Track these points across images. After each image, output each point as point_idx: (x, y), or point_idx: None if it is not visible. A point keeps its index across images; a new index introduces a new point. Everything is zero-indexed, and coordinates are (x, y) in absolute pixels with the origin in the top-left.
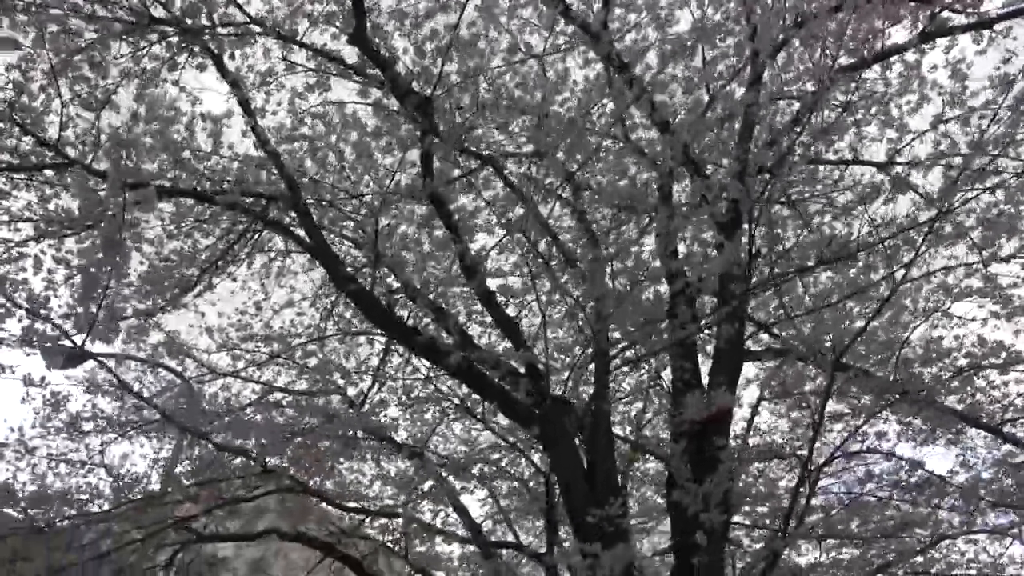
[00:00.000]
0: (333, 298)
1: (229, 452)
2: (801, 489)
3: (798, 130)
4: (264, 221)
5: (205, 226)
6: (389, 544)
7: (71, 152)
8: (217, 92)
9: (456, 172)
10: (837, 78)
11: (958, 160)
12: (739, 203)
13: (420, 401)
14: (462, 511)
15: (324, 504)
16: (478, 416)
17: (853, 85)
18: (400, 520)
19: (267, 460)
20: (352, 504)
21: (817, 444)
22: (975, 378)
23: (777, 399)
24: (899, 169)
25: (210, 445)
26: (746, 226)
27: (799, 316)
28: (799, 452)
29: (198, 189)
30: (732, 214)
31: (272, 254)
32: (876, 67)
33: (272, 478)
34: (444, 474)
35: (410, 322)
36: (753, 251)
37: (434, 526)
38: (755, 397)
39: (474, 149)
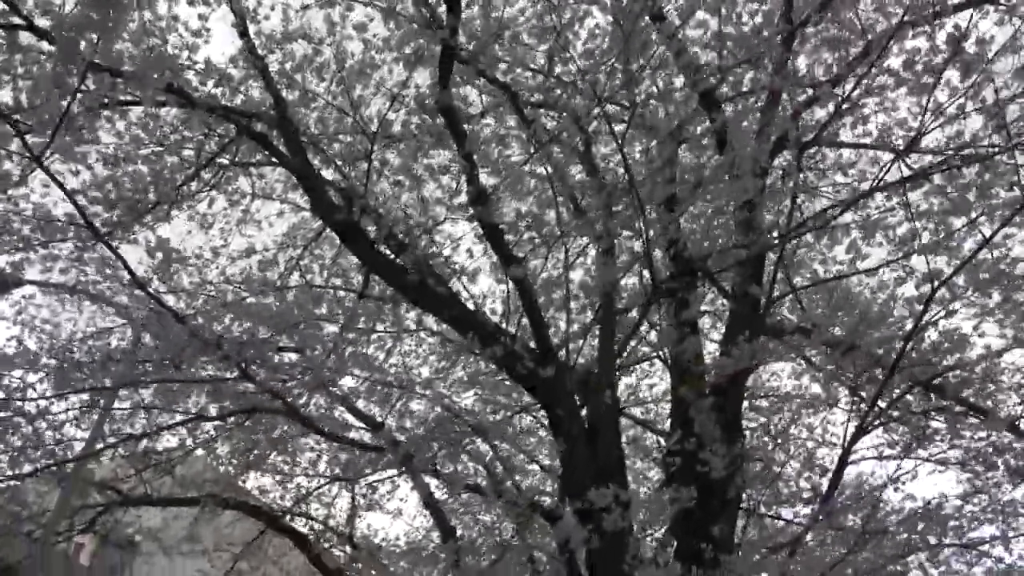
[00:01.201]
0: (300, 251)
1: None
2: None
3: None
4: (248, 133)
5: (171, 138)
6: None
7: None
8: None
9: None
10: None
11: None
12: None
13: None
14: (424, 492)
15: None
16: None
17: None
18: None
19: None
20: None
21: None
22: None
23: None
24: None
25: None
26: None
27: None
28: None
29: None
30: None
31: (236, 196)
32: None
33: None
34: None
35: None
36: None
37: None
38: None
39: (493, 76)
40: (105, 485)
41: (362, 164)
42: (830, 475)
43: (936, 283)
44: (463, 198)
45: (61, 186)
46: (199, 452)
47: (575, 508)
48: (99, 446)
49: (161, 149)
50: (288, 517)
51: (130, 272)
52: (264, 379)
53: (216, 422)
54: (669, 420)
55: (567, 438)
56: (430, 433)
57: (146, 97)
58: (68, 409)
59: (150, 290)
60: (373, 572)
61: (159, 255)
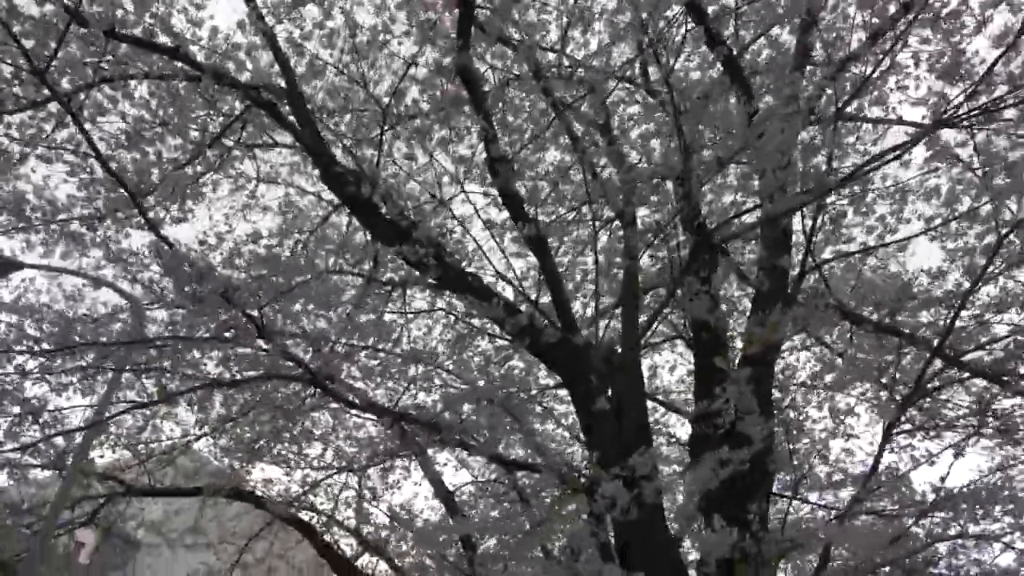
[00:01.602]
0: (306, 236)
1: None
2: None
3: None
4: (256, 102)
5: (175, 120)
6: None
7: None
8: None
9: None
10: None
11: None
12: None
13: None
14: (436, 481)
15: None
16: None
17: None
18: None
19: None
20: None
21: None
22: None
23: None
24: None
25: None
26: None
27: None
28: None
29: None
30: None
31: (241, 180)
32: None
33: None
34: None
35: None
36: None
37: None
38: None
39: (513, 41)
40: (107, 476)
41: (373, 139)
42: (867, 459)
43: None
44: (475, 172)
45: (94, 147)
46: (202, 444)
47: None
48: (107, 415)
49: (163, 129)
50: (294, 508)
51: (156, 233)
52: (281, 342)
53: (229, 390)
54: (693, 396)
55: (591, 414)
56: (459, 400)
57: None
58: (70, 370)
59: (165, 237)
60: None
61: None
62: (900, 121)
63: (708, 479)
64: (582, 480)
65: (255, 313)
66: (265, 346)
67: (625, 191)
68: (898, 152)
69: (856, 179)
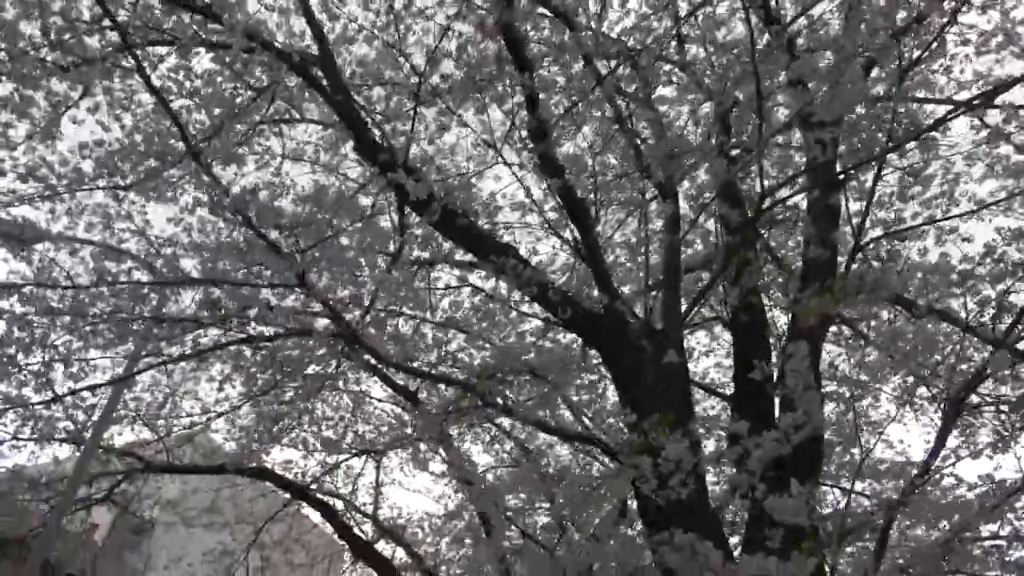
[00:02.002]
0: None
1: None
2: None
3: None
4: (290, 65)
5: (202, 92)
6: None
7: None
8: None
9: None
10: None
11: None
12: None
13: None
14: (458, 467)
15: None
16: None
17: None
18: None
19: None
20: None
21: None
22: None
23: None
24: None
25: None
26: None
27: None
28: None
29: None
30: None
31: (266, 156)
32: None
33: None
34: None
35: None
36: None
37: None
38: None
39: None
40: (125, 452)
41: (406, 112)
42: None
43: None
44: (513, 140)
45: (160, 95)
46: (219, 425)
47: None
48: (137, 368)
49: (191, 101)
50: (313, 489)
51: (214, 178)
52: (320, 290)
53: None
54: (733, 378)
55: (633, 388)
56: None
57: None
58: (103, 315)
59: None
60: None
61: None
62: (947, 101)
63: (775, 449)
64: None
65: (297, 258)
66: (302, 296)
67: (667, 163)
68: (963, 110)
69: (933, 129)
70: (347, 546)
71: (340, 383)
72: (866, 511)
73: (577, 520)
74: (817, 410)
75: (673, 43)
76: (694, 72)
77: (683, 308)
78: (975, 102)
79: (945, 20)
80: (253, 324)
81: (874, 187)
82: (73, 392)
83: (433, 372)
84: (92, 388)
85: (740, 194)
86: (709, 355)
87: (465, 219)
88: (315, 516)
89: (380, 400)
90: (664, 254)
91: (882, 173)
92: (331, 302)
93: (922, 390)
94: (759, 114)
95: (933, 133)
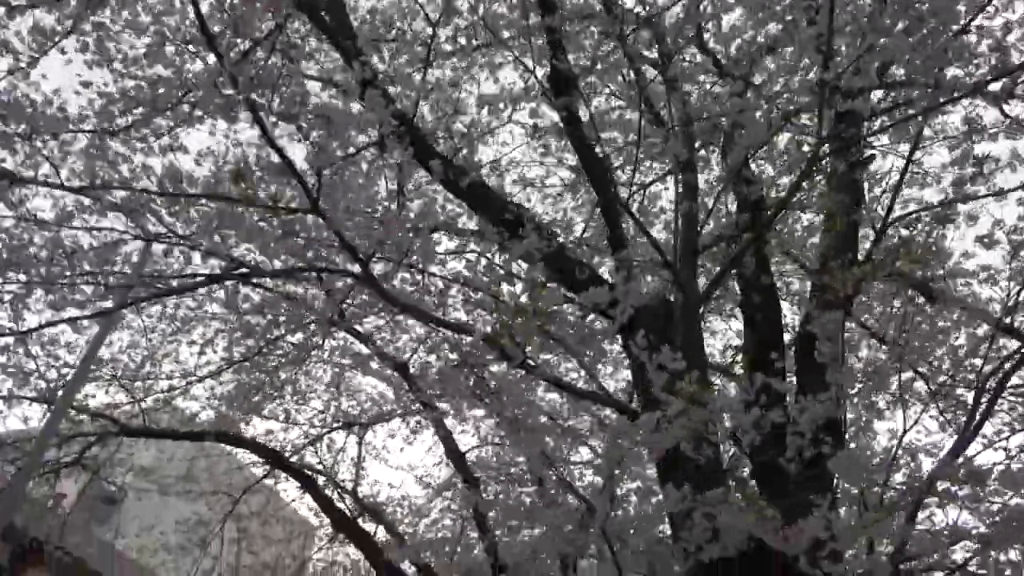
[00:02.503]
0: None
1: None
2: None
3: None
4: (298, 5)
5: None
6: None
7: None
8: None
9: None
10: None
11: None
12: None
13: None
14: (447, 441)
15: None
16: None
17: None
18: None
19: None
20: None
21: None
22: None
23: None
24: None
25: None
26: None
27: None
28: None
29: None
30: None
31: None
32: None
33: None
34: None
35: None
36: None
37: None
38: None
39: None
40: (99, 413)
41: (417, 68)
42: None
43: None
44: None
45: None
46: (200, 391)
47: None
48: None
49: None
50: (293, 461)
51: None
52: (335, 216)
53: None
54: (742, 359)
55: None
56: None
57: None
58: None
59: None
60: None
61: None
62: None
63: (827, 410)
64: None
65: (311, 182)
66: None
67: (685, 131)
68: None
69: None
70: (328, 520)
71: (326, 355)
72: (899, 491)
73: (605, 482)
74: (848, 381)
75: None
76: (711, 53)
77: (701, 285)
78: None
79: None
80: (256, 256)
81: (910, 157)
82: (50, 324)
83: (444, 319)
84: (73, 320)
85: (752, 176)
86: (716, 336)
87: (475, 177)
88: (292, 492)
89: (369, 371)
90: (681, 224)
91: (919, 145)
92: (345, 235)
93: (919, 383)
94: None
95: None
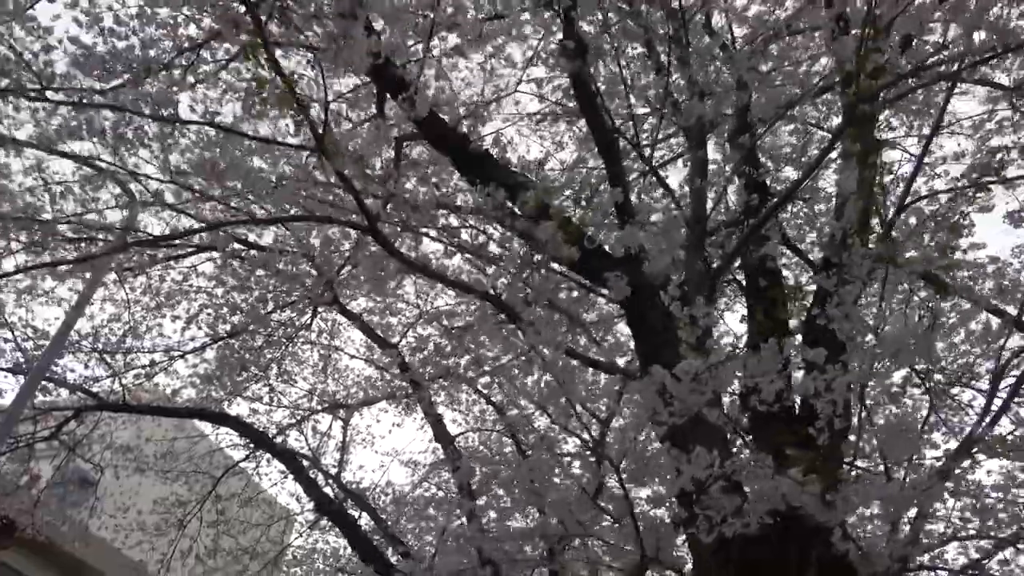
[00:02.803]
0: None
1: None
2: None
3: None
4: None
5: None
6: None
7: None
8: None
9: None
10: None
11: None
12: None
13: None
14: (436, 422)
15: None
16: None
17: None
18: None
19: None
20: None
21: None
22: None
23: None
24: None
25: None
26: None
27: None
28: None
29: None
30: None
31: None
32: None
33: None
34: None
35: None
36: None
37: None
38: None
39: None
40: (76, 387)
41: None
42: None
43: None
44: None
45: None
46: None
47: None
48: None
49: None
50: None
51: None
52: (340, 159)
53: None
54: (747, 337)
55: (650, 334)
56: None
57: None
58: None
59: None
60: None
61: None
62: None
63: (863, 377)
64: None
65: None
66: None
67: (697, 105)
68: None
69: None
70: (308, 508)
71: (313, 336)
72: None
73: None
74: (868, 357)
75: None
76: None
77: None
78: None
79: None
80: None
81: (934, 132)
82: (28, 268)
83: (453, 279)
84: (54, 266)
85: (759, 161)
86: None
87: (478, 147)
88: (273, 477)
89: (352, 356)
90: (691, 200)
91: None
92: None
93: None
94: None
95: None
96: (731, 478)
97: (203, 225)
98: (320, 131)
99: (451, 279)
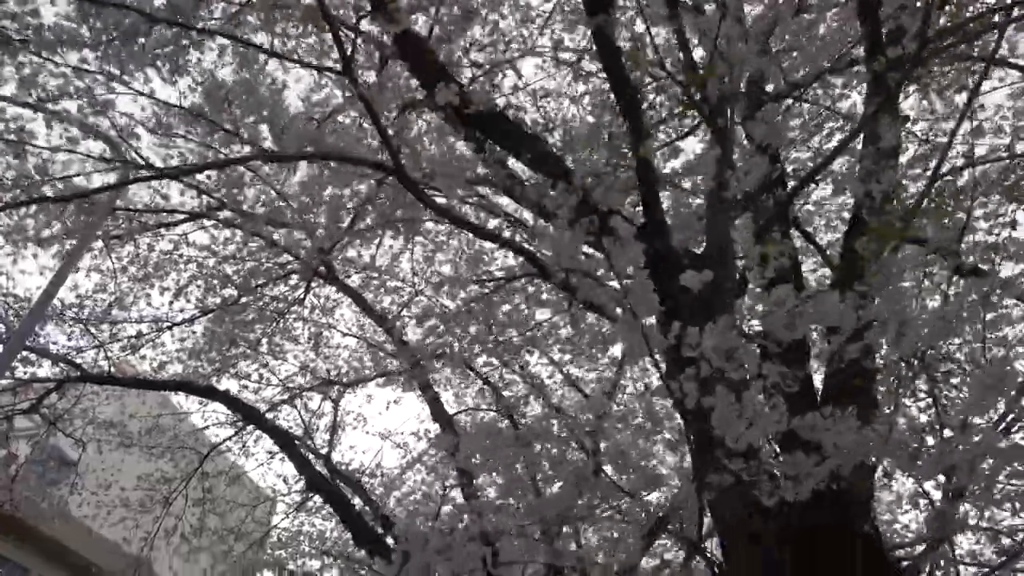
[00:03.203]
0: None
1: None
2: None
3: None
4: None
5: None
6: None
7: None
8: None
9: None
10: None
11: None
12: None
13: None
14: (433, 402)
15: None
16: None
17: None
18: None
19: None
20: None
21: None
22: None
23: None
24: None
25: None
26: None
27: None
28: None
29: None
30: None
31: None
32: None
33: None
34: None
35: None
36: None
37: None
38: None
39: None
40: (59, 357)
41: None
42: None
43: None
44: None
45: None
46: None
47: None
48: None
49: None
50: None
51: None
52: (364, 90)
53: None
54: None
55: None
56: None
57: None
58: None
59: None
60: None
61: None
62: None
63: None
64: None
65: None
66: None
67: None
68: None
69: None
70: (294, 489)
71: (306, 312)
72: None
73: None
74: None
75: None
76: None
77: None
78: None
79: None
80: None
81: (975, 93)
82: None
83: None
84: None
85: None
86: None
87: (492, 106)
88: (259, 458)
89: (345, 334)
90: (712, 177)
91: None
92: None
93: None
94: None
95: None
96: (801, 436)
97: (208, 162)
98: (348, 52)
99: (480, 227)
